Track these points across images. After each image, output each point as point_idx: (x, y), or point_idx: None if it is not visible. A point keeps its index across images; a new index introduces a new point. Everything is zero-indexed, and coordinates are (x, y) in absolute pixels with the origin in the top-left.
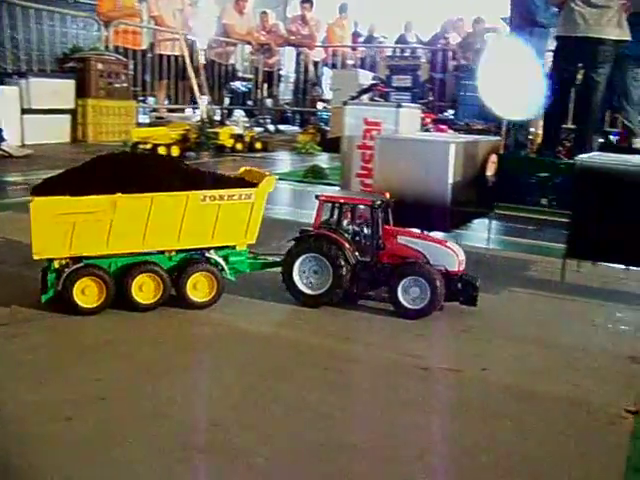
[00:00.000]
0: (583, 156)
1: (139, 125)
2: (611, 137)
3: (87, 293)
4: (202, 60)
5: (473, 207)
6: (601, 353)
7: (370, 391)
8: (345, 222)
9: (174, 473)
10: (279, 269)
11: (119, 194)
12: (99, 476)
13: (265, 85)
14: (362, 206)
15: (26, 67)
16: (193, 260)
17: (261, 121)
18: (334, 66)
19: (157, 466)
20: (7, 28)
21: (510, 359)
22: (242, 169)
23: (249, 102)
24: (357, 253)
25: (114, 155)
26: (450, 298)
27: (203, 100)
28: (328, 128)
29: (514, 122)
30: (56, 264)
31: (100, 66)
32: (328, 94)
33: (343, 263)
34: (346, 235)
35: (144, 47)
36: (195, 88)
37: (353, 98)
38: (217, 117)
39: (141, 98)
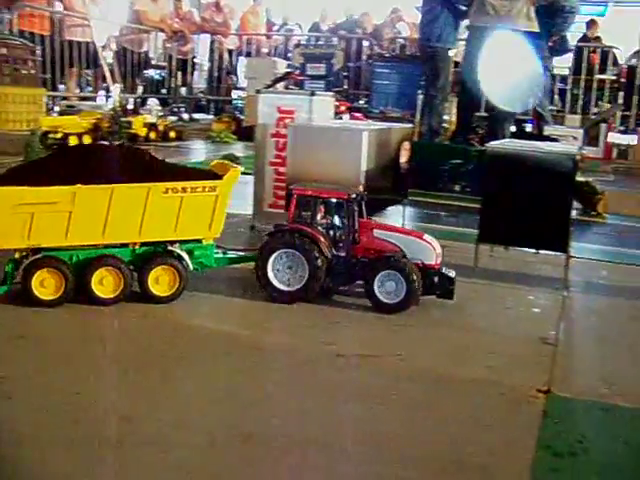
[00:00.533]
0: (493, 143)
1: (49, 113)
2: (525, 125)
3: (46, 285)
4: (114, 47)
5: (387, 194)
6: (514, 336)
7: (283, 379)
8: (319, 216)
9: (87, 469)
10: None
11: (79, 185)
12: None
13: (179, 73)
14: (337, 199)
15: None
16: (155, 254)
17: (175, 110)
18: (249, 54)
19: (69, 463)
20: None
21: (425, 344)
22: (214, 162)
23: (163, 91)
24: (332, 248)
25: (78, 147)
26: (427, 292)
27: (115, 88)
28: (243, 117)
29: (428, 109)
30: (17, 255)
31: (4, 51)
32: (243, 82)
33: (318, 258)
34: (321, 229)
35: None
36: (107, 76)
37: (268, 86)
38: (130, 106)
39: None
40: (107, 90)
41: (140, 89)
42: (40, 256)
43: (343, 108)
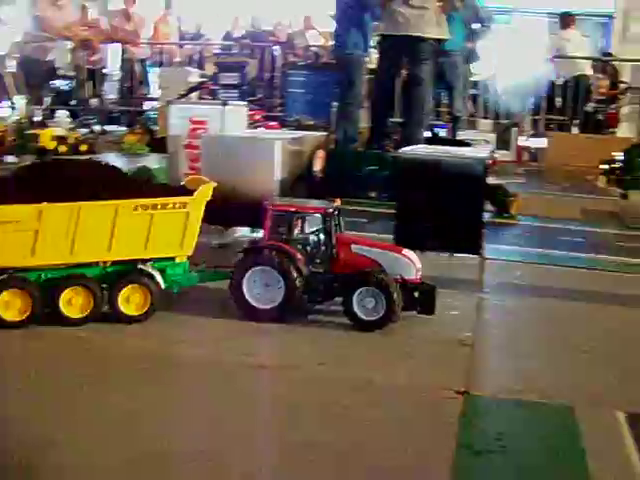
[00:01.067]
0: (406, 149)
1: None
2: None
3: (11, 306)
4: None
5: None
6: (434, 339)
7: (202, 392)
8: (296, 232)
9: None
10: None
11: (45, 203)
12: None
13: (89, 84)
14: (313, 214)
15: None
16: (126, 272)
17: (86, 122)
18: (161, 64)
19: None
20: None
21: (346, 352)
22: (189, 177)
23: (73, 102)
24: (310, 264)
25: (45, 163)
26: (407, 307)
27: (20, 99)
28: (157, 128)
29: (343, 117)
30: None
31: None
32: (156, 92)
33: (295, 275)
34: (298, 245)
35: None
36: (10, 86)
37: (181, 97)
38: (37, 117)
39: None
40: (11, 101)
41: (48, 100)
42: (5, 276)
43: (258, 117)
